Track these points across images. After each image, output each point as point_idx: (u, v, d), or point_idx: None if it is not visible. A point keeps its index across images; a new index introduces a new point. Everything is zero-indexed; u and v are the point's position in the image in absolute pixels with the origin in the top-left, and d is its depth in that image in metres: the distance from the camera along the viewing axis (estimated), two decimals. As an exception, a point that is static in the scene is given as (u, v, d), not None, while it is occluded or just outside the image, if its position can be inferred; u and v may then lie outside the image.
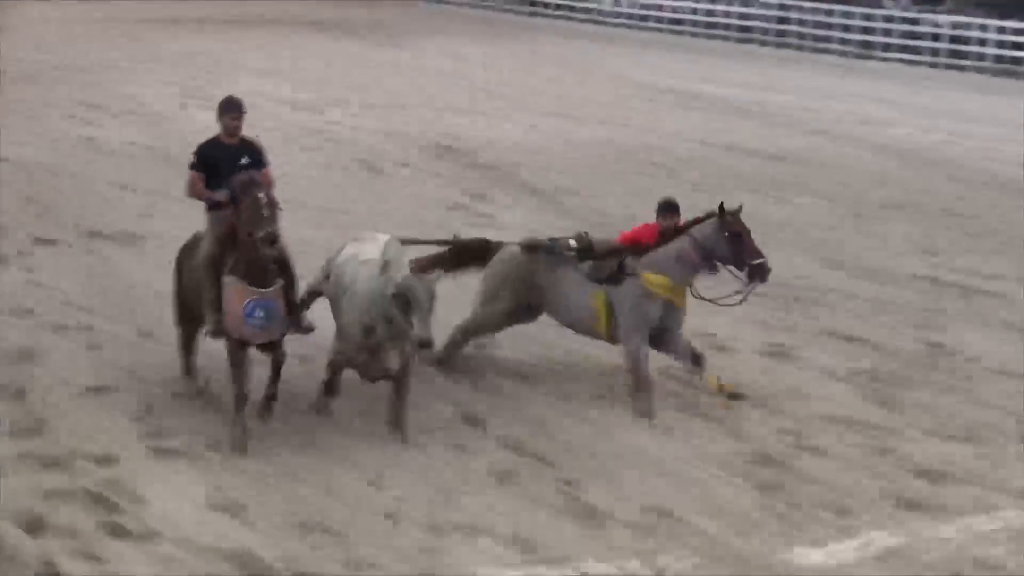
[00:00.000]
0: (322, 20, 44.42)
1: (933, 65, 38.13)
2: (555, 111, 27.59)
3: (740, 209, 11.49)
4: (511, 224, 17.28)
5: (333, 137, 23.68)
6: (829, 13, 41.84)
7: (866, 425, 11.28)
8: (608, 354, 11.98)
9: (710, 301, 11.68)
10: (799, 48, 41.73)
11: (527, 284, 11.94)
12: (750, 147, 24.56)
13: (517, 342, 12.62)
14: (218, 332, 10.56)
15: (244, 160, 10.94)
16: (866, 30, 40.97)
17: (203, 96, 26.89)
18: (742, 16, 44.36)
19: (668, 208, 11.68)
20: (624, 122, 26.78)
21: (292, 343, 11.09)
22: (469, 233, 13.27)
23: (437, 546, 9.01)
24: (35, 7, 43.34)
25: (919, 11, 40.87)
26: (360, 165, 21.45)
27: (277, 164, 23.41)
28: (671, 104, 29.85)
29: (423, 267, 10.82)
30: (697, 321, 12.24)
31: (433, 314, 10.10)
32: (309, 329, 10.90)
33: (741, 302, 11.65)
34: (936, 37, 39.05)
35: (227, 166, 10.79)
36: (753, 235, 11.42)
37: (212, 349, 11.15)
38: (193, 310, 11.05)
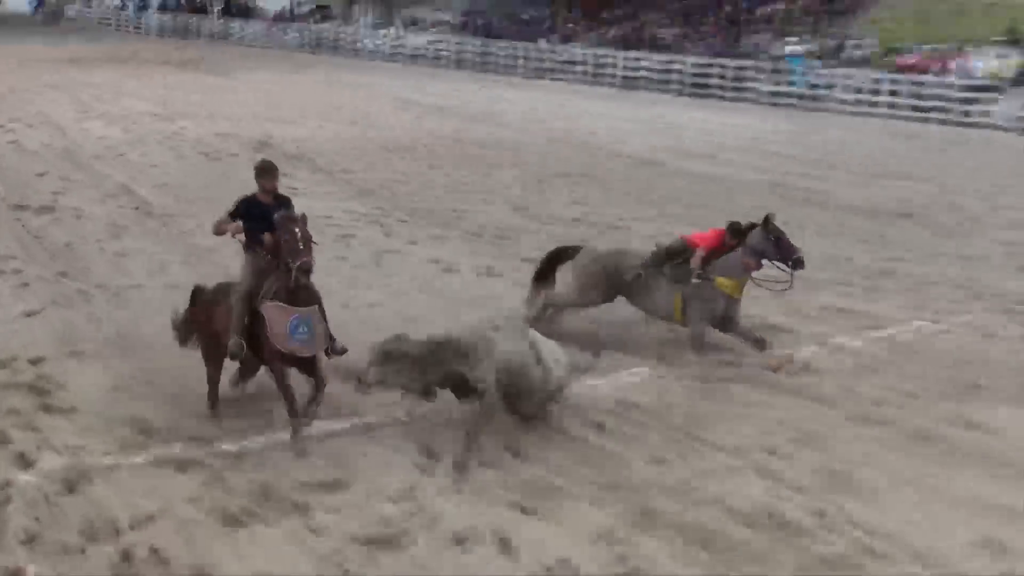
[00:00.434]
0: (176, 59, 42.92)
1: (582, 82, 38.79)
2: (334, 118, 27.21)
3: (774, 217, 10.32)
4: (310, 192, 17.12)
5: (184, 138, 22.97)
6: (515, 47, 42.45)
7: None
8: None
9: (768, 288, 10.35)
10: (497, 71, 41.88)
11: (617, 282, 10.60)
12: (459, 137, 24.69)
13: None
14: (237, 352, 8.43)
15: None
16: (538, 59, 41.50)
17: (94, 113, 26.33)
18: (458, 51, 44.58)
19: (735, 232, 10.33)
20: (375, 122, 26.60)
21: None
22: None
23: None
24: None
25: (570, 46, 41.71)
26: (203, 157, 20.95)
27: (148, 158, 22.67)
28: (404, 108, 29.66)
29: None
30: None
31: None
32: (343, 351, 8.47)
33: (790, 287, 10.22)
34: (584, 63, 39.83)
35: (264, 222, 8.43)
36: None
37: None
38: (220, 347, 8.57)
